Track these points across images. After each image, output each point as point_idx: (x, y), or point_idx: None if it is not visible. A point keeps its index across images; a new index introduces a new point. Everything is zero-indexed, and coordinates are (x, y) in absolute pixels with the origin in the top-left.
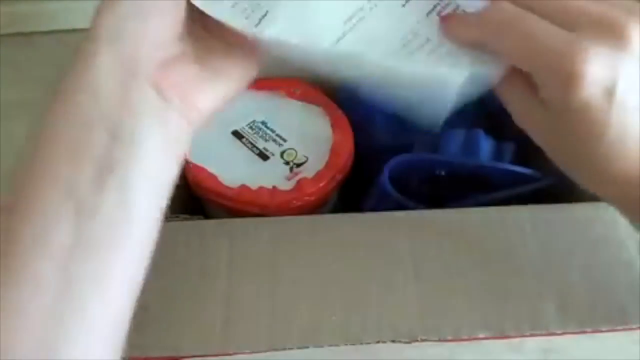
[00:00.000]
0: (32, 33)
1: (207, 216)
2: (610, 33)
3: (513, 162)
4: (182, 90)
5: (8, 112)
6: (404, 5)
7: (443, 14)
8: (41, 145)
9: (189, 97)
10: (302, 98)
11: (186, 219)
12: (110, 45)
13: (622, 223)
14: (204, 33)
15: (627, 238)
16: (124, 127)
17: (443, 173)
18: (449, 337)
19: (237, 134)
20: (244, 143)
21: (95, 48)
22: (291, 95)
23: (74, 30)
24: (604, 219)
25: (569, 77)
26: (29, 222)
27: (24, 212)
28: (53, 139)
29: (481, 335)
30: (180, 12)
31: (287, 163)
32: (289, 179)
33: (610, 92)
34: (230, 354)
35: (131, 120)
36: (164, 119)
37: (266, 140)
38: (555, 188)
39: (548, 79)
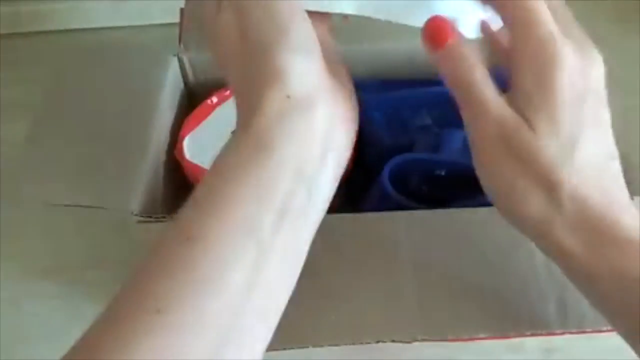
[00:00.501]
0: (32, 33)
1: None
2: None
3: None
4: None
5: (8, 112)
6: None
7: None
8: (227, 179)
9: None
10: None
11: None
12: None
13: None
14: None
15: None
16: (308, 170)
17: (443, 173)
18: (449, 337)
19: None
20: None
21: (282, 93)
22: None
23: (74, 30)
24: None
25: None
26: (207, 255)
27: (203, 244)
28: (241, 175)
29: (481, 335)
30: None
31: None
32: None
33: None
34: None
35: (317, 165)
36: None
37: None
38: None
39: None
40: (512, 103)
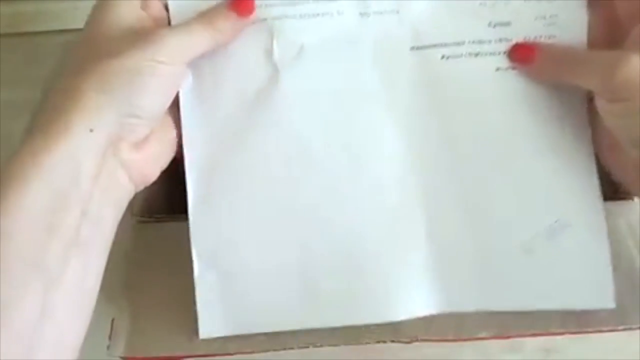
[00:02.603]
0: (32, 33)
1: None
2: None
3: None
4: (144, 170)
5: (8, 112)
6: None
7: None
8: (11, 208)
9: (147, 176)
10: None
11: (186, 219)
12: (100, 118)
13: (622, 223)
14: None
15: (627, 238)
16: (94, 206)
17: None
18: (450, 337)
19: None
20: None
21: (85, 117)
22: None
23: (74, 30)
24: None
25: None
26: None
27: None
28: (26, 206)
29: (481, 335)
30: (175, 89)
31: None
32: None
33: None
34: (230, 354)
35: (102, 201)
36: (126, 196)
37: None
38: None
39: None
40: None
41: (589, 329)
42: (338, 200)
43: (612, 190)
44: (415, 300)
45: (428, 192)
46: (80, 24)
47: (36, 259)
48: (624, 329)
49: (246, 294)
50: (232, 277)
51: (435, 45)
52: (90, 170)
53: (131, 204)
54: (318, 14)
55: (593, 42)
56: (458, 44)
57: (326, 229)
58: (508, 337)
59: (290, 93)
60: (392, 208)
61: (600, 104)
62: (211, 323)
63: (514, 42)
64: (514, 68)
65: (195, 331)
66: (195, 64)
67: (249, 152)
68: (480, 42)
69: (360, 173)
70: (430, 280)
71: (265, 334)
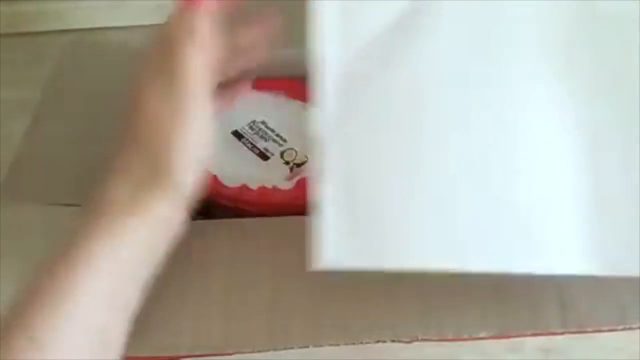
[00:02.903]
0: (32, 33)
1: (207, 216)
2: None
3: None
4: (179, 222)
5: (8, 112)
6: None
7: None
8: (80, 290)
9: (180, 226)
10: (302, 98)
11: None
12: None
13: None
14: None
15: None
16: (142, 272)
17: None
18: (450, 337)
19: (237, 134)
20: (244, 143)
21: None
22: (291, 95)
23: (74, 30)
24: None
25: None
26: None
27: (50, 350)
28: (94, 286)
29: (481, 335)
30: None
31: (287, 163)
32: (289, 179)
33: None
34: (230, 354)
35: (144, 264)
36: (164, 251)
37: (266, 140)
38: None
39: None
40: None
41: (589, 329)
42: (489, 137)
43: None
44: (572, 257)
45: (589, 140)
46: (81, 24)
47: (102, 337)
48: (624, 329)
49: (377, 226)
50: (363, 206)
51: None
52: (149, 250)
53: None
54: None
55: None
56: None
57: (474, 164)
58: (508, 337)
59: (436, 24)
60: (549, 153)
61: None
62: (331, 251)
63: None
64: None
65: (197, 328)
66: None
67: (390, 78)
68: None
69: (513, 114)
70: (589, 237)
71: (265, 332)
